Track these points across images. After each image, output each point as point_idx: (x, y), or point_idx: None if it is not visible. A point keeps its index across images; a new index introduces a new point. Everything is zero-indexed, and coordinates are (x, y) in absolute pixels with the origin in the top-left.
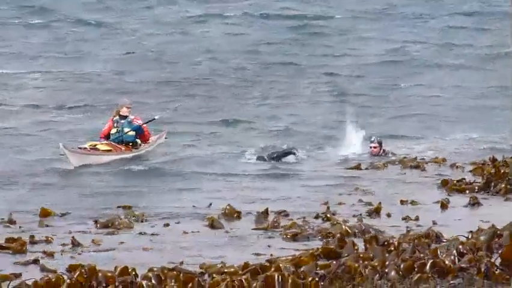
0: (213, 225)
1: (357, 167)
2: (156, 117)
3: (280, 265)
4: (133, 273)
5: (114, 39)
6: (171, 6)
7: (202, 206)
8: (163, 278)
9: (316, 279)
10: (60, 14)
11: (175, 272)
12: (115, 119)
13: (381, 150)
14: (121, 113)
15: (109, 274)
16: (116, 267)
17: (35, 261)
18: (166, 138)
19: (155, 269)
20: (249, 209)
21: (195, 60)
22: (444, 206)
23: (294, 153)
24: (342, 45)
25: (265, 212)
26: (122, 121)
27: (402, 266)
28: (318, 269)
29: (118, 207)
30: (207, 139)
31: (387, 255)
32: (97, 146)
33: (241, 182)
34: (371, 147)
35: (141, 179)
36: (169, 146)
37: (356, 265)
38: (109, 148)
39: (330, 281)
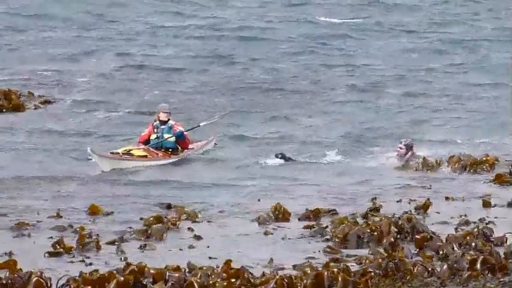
0: (261, 223)
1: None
2: (201, 125)
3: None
4: (184, 270)
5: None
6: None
7: (249, 203)
8: (211, 275)
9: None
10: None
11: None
12: (155, 124)
13: (409, 153)
14: (160, 118)
15: (159, 272)
16: (166, 266)
17: (84, 260)
18: (215, 144)
19: (204, 267)
20: (298, 208)
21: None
22: (487, 204)
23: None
24: None
25: (316, 211)
26: (163, 126)
27: (451, 263)
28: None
29: (162, 204)
30: (250, 140)
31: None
32: (132, 151)
33: (283, 180)
34: (398, 148)
35: (183, 178)
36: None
37: (407, 262)
38: (144, 154)
39: (381, 278)
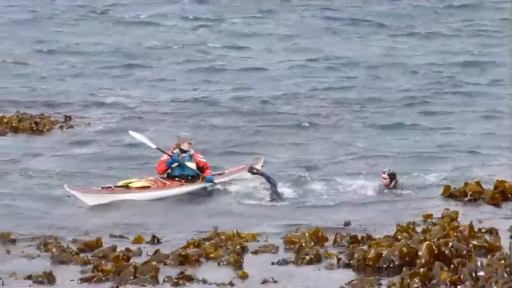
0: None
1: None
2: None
3: None
4: None
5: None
6: None
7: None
8: None
9: None
10: None
11: None
12: (175, 151)
13: (392, 182)
14: (180, 147)
15: None
16: None
17: None
18: (262, 166)
19: None
20: None
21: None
22: None
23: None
24: None
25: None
26: (184, 155)
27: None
28: None
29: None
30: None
31: None
32: (131, 184)
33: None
34: (382, 177)
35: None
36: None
37: None
38: (146, 184)
39: None
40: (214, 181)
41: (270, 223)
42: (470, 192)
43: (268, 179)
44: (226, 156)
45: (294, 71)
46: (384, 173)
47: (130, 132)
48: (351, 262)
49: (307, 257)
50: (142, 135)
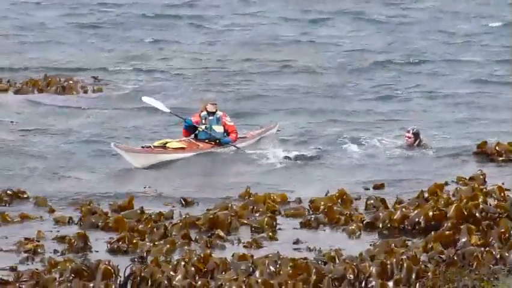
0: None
1: None
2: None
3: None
4: None
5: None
6: None
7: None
8: None
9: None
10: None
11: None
12: (202, 114)
13: (417, 141)
14: (207, 110)
15: None
16: None
17: None
18: (278, 130)
19: None
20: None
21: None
22: None
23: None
24: None
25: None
26: (211, 117)
27: None
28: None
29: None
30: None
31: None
32: (167, 145)
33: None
34: (405, 136)
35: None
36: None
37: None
38: (181, 146)
39: (447, 266)
40: (237, 145)
41: (299, 184)
42: (503, 151)
43: None
44: (247, 120)
45: (318, 41)
46: (408, 132)
47: (143, 98)
48: (377, 223)
49: (334, 219)
50: (157, 100)
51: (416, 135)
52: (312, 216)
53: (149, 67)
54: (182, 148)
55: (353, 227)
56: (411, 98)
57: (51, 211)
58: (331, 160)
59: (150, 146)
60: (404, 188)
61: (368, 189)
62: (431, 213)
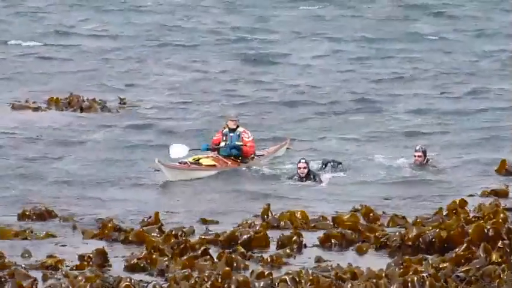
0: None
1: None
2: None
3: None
4: None
5: None
6: None
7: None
8: None
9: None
10: None
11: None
12: (224, 131)
13: (425, 160)
14: (228, 126)
15: None
16: None
17: None
18: (288, 148)
19: None
20: None
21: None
22: None
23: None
24: None
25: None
26: (231, 134)
27: None
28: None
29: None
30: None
31: None
32: (200, 161)
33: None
34: (415, 156)
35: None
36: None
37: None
38: (212, 163)
39: (469, 283)
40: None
41: (317, 201)
42: None
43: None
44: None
45: (331, 57)
46: (417, 151)
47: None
48: (398, 241)
49: (355, 236)
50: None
51: (425, 153)
52: (335, 232)
53: (172, 87)
54: (214, 165)
55: (375, 244)
56: (424, 115)
57: (75, 227)
58: (348, 177)
59: (186, 162)
60: (422, 205)
61: (384, 212)
62: (451, 232)
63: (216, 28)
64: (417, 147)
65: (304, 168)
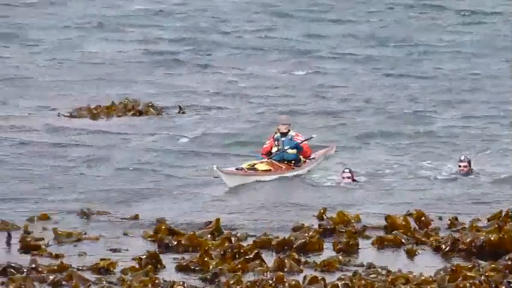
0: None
1: None
2: (314, 136)
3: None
4: None
5: None
6: None
7: None
8: None
9: None
10: None
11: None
12: (275, 136)
13: (470, 169)
14: (280, 131)
15: None
16: None
17: None
18: (336, 151)
19: None
20: None
21: None
22: None
23: None
24: None
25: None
26: (283, 139)
27: None
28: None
29: None
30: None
31: None
32: (256, 166)
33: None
34: (460, 166)
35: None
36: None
37: None
38: (268, 168)
39: None
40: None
41: (367, 206)
42: None
43: None
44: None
45: (377, 65)
46: (462, 161)
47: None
48: (451, 246)
49: (408, 240)
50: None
51: (469, 163)
52: (388, 236)
53: (228, 94)
54: (269, 170)
55: (427, 248)
56: (472, 122)
57: (126, 233)
58: (396, 183)
59: (243, 168)
60: (473, 209)
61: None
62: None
63: (267, 35)
64: (462, 157)
65: (348, 177)
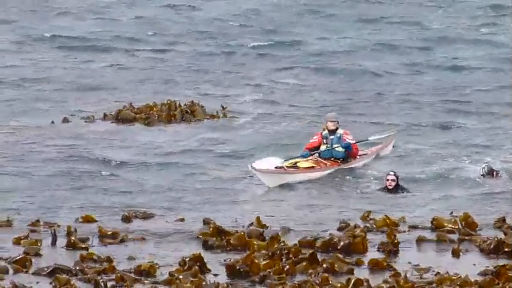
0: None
1: None
2: (370, 139)
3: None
4: None
5: None
6: None
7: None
8: None
9: None
10: None
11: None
12: (324, 133)
13: (494, 175)
14: (328, 128)
15: None
16: None
17: None
18: (393, 147)
19: None
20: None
21: None
22: None
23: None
24: None
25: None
26: (332, 137)
27: None
28: None
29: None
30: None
31: None
32: (298, 164)
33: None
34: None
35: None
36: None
37: None
38: (311, 165)
39: None
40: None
41: (412, 207)
42: None
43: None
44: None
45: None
46: (483, 168)
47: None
48: (498, 248)
49: (455, 241)
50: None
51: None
52: (434, 237)
53: (269, 97)
54: (313, 167)
55: (473, 249)
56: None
57: (168, 235)
58: (440, 184)
59: (283, 167)
60: None
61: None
62: None
63: (315, 39)
64: (483, 165)
65: (393, 180)
